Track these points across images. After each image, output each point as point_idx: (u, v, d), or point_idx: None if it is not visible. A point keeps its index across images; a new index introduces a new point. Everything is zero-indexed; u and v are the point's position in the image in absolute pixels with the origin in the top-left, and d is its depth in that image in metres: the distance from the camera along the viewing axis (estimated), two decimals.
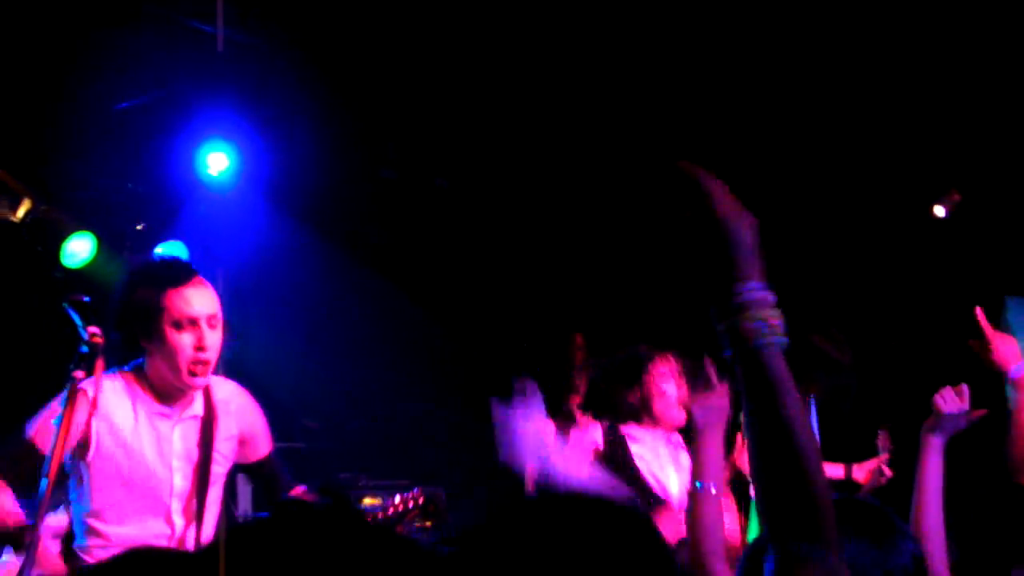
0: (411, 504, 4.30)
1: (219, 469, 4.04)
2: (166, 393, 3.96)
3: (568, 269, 8.62)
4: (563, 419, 5.39)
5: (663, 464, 4.86)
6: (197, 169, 7.79)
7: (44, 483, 3.42)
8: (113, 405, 3.86)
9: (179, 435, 3.96)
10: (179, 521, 3.92)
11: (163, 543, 3.83)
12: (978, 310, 3.95)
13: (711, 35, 7.00)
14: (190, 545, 3.90)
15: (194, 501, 3.92)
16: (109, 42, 6.61)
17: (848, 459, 6.55)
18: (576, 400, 6.00)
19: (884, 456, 6.50)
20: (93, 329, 3.60)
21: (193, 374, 3.87)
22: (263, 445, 4.24)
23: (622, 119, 7.53)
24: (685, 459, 4.78)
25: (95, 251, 7.55)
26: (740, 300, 1.94)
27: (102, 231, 7.58)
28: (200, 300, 3.90)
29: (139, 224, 7.89)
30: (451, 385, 8.76)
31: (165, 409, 3.96)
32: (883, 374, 7.93)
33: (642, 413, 4.91)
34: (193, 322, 3.86)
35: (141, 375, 3.97)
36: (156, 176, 7.76)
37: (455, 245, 8.67)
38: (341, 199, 8.40)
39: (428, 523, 4.41)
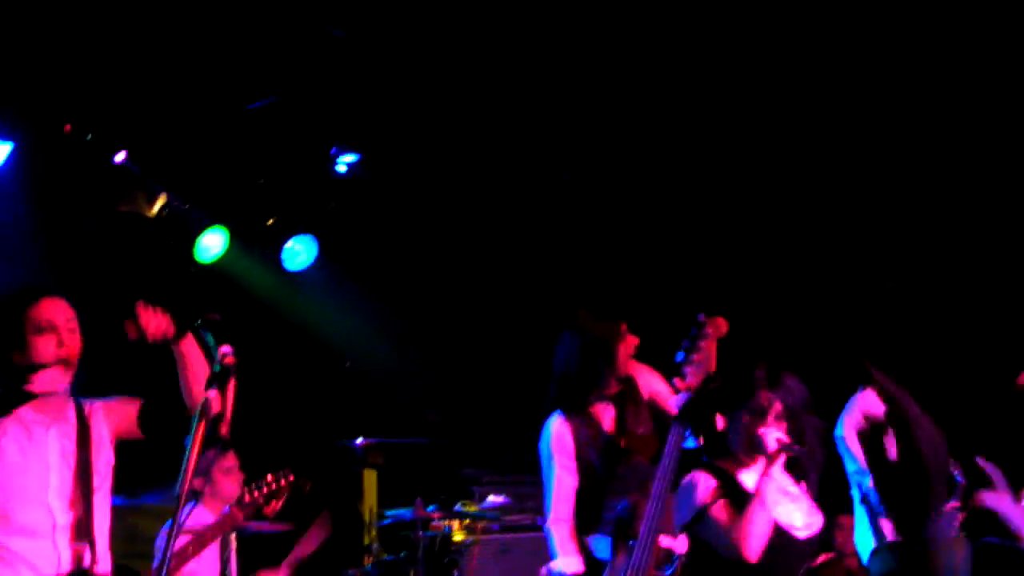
0: (283, 483, 4.99)
1: (103, 468, 4.41)
2: (40, 400, 4.34)
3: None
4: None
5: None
6: (327, 165, 7.92)
7: (178, 495, 3.55)
8: None
9: (54, 437, 4.33)
10: (61, 515, 4.27)
11: (46, 532, 4.23)
12: None
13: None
14: (69, 536, 4.25)
15: (79, 497, 4.29)
16: (242, 41, 6.72)
17: None
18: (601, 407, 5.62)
19: (955, 504, 6.35)
20: (225, 349, 3.67)
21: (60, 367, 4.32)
22: (128, 407, 4.53)
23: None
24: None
25: (227, 245, 7.71)
26: None
27: (234, 226, 7.73)
28: (55, 309, 4.35)
29: (270, 219, 8.04)
30: None
31: (40, 417, 4.33)
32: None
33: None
34: (53, 327, 4.30)
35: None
36: (287, 171, 7.90)
37: (579, 240, 8.64)
38: (467, 195, 8.43)
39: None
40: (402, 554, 6.89)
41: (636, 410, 5.69)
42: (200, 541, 5.74)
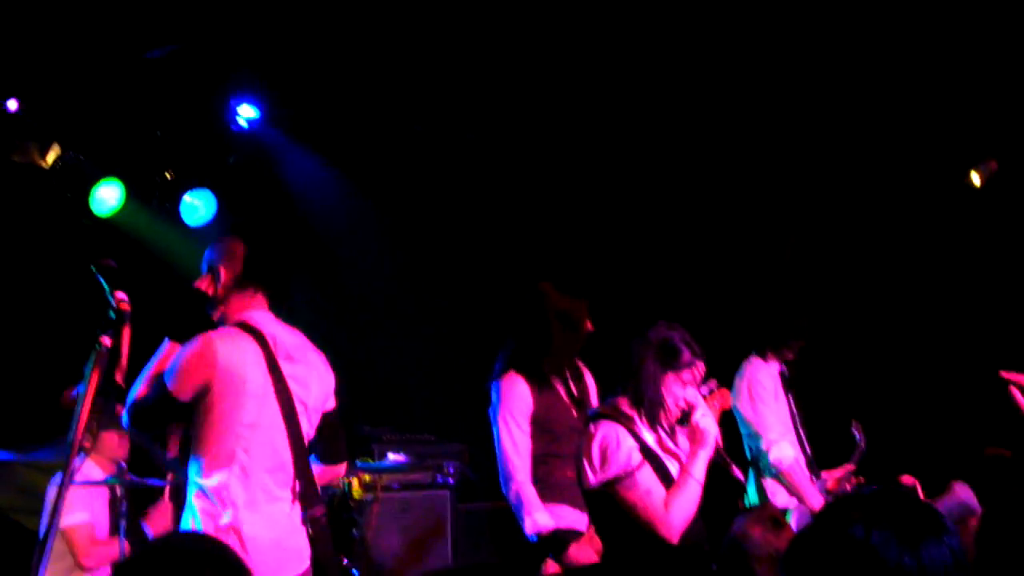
0: None
1: None
2: None
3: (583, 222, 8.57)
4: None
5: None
6: (225, 117, 7.80)
7: (71, 442, 3.44)
8: None
9: None
10: None
11: None
12: (1005, 375, 3.75)
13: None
14: None
15: None
16: None
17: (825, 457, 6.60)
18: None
19: (851, 467, 6.56)
20: (121, 295, 3.59)
21: None
22: None
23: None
24: None
25: (123, 199, 7.56)
26: None
27: (130, 179, 7.58)
28: None
29: (167, 172, 7.88)
30: (478, 340, 8.75)
31: None
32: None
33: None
34: None
35: None
36: (185, 124, 7.75)
37: (479, 199, 8.62)
38: (369, 149, 8.37)
39: None
40: None
41: (585, 388, 5.72)
42: None
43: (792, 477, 6.24)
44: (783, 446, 6.26)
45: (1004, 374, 3.61)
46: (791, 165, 8.07)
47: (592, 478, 4.46)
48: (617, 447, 4.41)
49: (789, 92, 7.60)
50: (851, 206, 8.15)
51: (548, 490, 5.41)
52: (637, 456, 4.39)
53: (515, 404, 5.45)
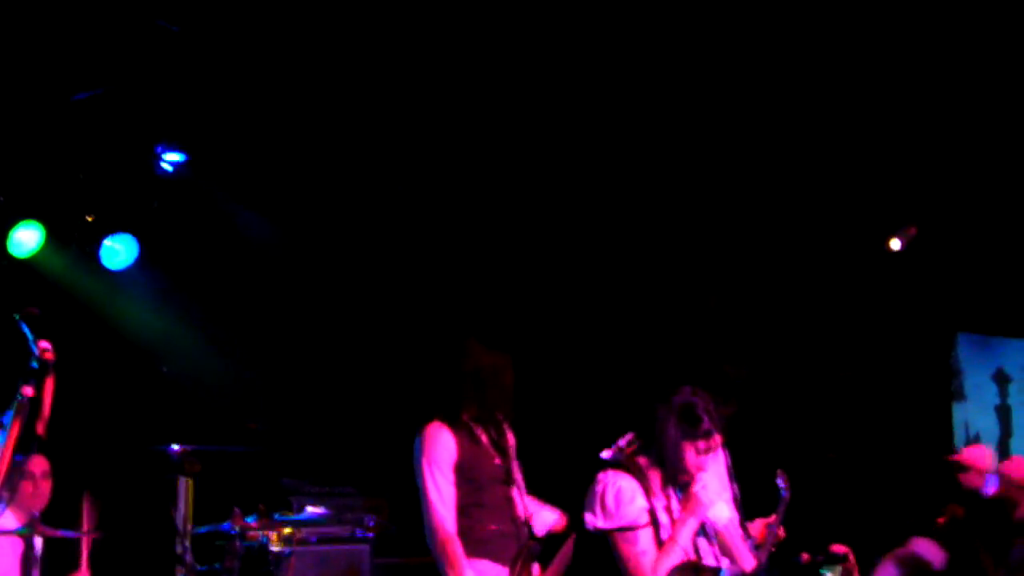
0: None
1: None
2: None
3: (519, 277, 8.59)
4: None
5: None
6: (149, 162, 7.71)
7: None
8: None
9: None
10: None
11: None
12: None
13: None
14: None
15: None
16: (68, 28, 6.49)
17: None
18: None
19: (773, 518, 6.56)
20: (44, 344, 3.50)
21: None
22: None
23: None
24: None
25: (43, 241, 7.44)
26: None
27: (50, 221, 7.46)
28: None
29: (88, 215, 7.77)
30: (398, 391, 8.70)
31: None
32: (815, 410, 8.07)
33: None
34: None
35: None
36: (108, 168, 7.65)
37: (402, 250, 8.60)
38: (293, 200, 8.32)
39: None
40: (216, 564, 6.71)
41: (506, 441, 5.67)
42: None
43: (725, 538, 6.21)
44: (720, 507, 6.23)
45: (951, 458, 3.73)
46: (715, 231, 8.16)
47: (594, 523, 4.62)
48: (631, 501, 4.58)
49: (715, 150, 7.69)
50: (777, 268, 8.25)
51: (470, 544, 5.35)
52: (645, 516, 4.53)
53: (439, 454, 5.38)
